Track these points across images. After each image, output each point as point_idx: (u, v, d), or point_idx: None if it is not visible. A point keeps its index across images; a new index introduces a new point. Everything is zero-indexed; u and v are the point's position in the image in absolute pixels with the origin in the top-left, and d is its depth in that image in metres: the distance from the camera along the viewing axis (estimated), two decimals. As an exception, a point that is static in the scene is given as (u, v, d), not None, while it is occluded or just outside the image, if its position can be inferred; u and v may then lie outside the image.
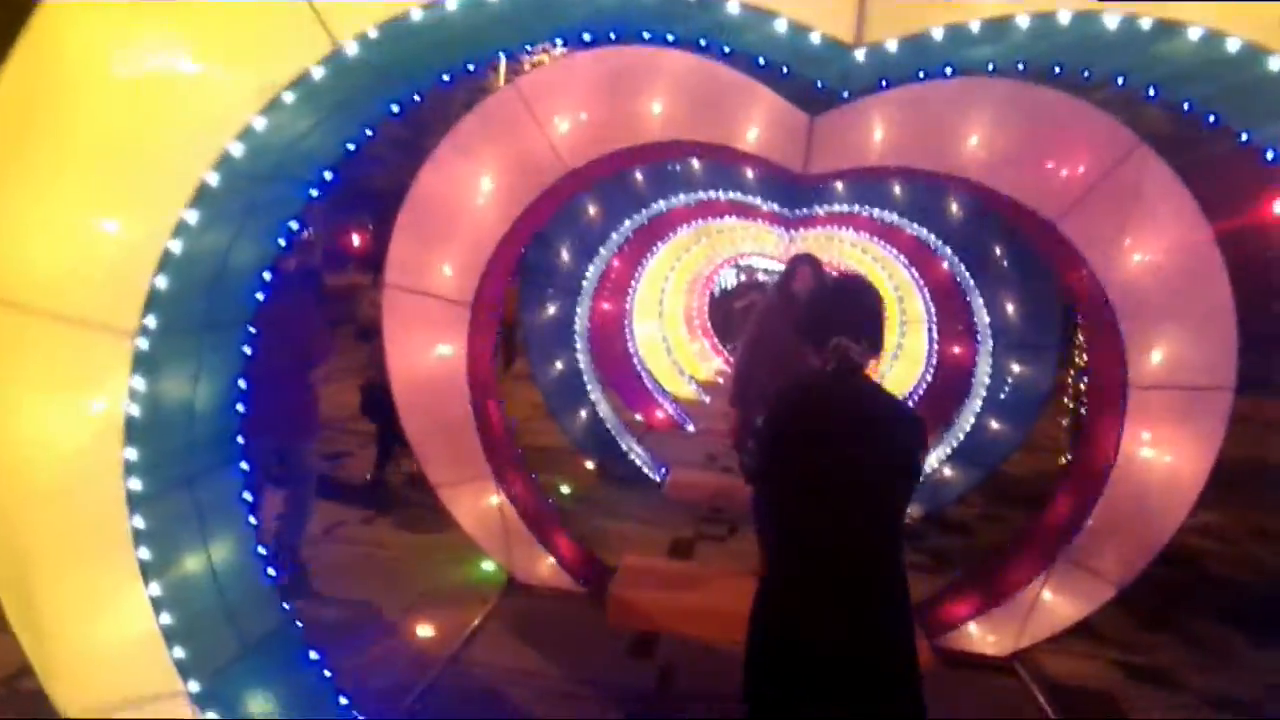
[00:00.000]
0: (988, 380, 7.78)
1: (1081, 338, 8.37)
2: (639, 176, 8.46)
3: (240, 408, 2.90)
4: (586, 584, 5.51)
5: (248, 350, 2.90)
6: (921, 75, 2.66)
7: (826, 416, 2.50)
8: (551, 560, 5.44)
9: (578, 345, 8.44)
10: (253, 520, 2.95)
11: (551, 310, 8.38)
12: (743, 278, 25.80)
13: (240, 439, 2.93)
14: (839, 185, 8.17)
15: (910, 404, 11.01)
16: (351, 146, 2.87)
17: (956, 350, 10.53)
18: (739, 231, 14.12)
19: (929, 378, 10.72)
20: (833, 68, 2.50)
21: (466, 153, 5.26)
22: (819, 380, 2.57)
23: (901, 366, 12.83)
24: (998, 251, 7.82)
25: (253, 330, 2.89)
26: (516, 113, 5.24)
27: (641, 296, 12.57)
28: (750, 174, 8.33)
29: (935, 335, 10.49)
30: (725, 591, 5.75)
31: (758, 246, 17.41)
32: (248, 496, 2.95)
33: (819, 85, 2.67)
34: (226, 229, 2.56)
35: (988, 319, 7.73)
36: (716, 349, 20.77)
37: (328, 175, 2.88)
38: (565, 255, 8.34)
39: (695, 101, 5.11)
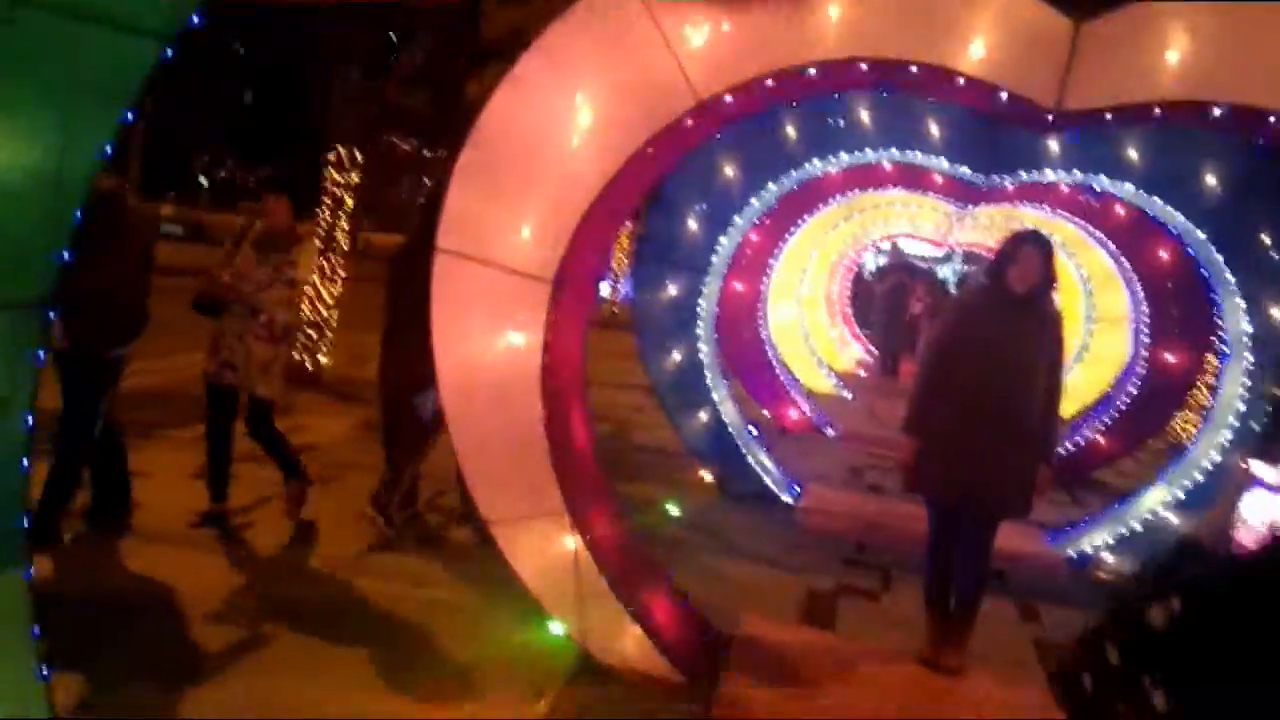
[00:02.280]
0: (1240, 406, 5.86)
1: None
2: (789, 130, 6.84)
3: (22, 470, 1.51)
4: (687, 668, 4.02)
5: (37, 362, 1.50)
6: None
7: None
8: (639, 632, 3.96)
9: (701, 333, 6.92)
10: (46, 672, 1.56)
11: (672, 290, 6.88)
12: (884, 259, 23.60)
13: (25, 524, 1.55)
14: (1054, 146, 6.35)
15: (1108, 417, 9.03)
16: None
17: (1170, 359, 8.53)
18: (897, 207, 12.21)
19: (1132, 389, 8.72)
20: None
21: (558, 69, 3.80)
22: None
23: (1088, 371, 10.80)
24: (1266, 240, 5.87)
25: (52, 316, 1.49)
26: (632, 16, 3.74)
27: (778, 277, 10.89)
28: (936, 130, 6.59)
29: (1146, 338, 8.48)
30: (879, 689, 4.19)
31: (912, 227, 15.39)
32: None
33: None
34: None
35: (1247, 326, 5.79)
36: (856, 335, 18.87)
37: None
38: (691, 223, 6.81)
39: (891, 3, 3.49)
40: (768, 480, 7.00)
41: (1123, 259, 8.64)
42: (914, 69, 3.64)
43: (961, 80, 3.55)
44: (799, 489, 7.14)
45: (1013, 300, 4.13)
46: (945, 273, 33.51)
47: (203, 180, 40.46)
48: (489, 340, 3.94)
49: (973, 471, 4.08)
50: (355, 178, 9.33)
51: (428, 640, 4.17)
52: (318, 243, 9.35)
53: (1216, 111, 3.42)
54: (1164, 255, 8.34)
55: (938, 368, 4.24)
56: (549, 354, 3.92)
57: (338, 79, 8.74)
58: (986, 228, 13.40)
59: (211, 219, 30.41)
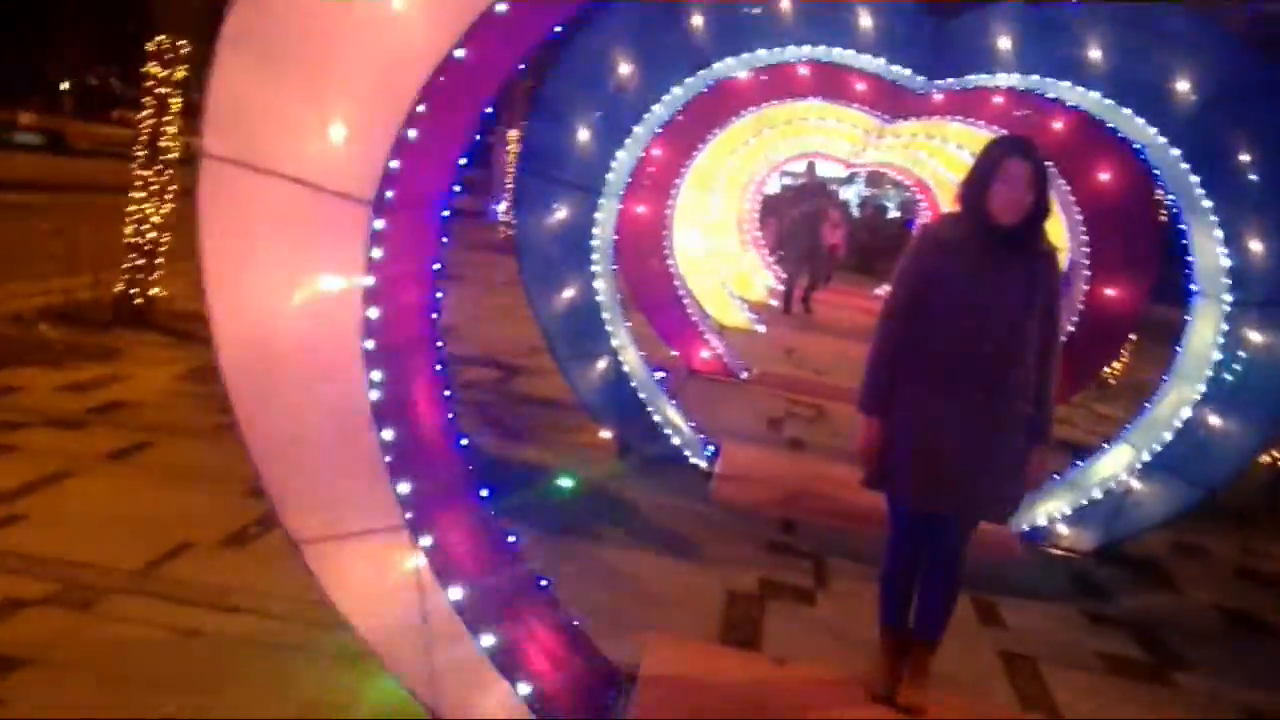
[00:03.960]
0: (1215, 355, 5.08)
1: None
2: (696, 21, 5.68)
3: None
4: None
5: None
6: None
7: None
8: (507, 687, 2.92)
9: (597, 267, 5.80)
10: None
11: (560, 214, 5.72)
12: (794, 180, 22.58)
13: None
14: (1006, 45, 5.36)
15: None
16: None
17: (1111, 294, 7.82)
18: (812, 121, 11.16)
19: (1070, 328, 7.98)
20: None
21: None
22: None
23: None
24: (1245, 159, 5.02)
25: None
26: None
27: (683, 200, 9.77)
28: (871, 22, 5.53)
29: (1088, 272, 7.73)
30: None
31: (823, 145, 14.40)
32: None
33: None
34: None
35: (1225, 261, 4.98)
36: (766, 264, 17.97)
37: None
38: (582, 133, 5.63)
39: None
40: (677, 440, 6.00)
41: (1061, 181, 7.80)
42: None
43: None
44: (713, 449, 6.17)
45: (997, 235, 3.13)
46: (848, 195, 32.67)
47: (64, 86, 36.85)
48: (286, 287, 2.75)
49: (954, 465, 3.12)
50: (181, 73, 7.74)
51: (212, 701, 3.04)
52: (140, 151, 7.79)
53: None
54: (1107, 177, 7.56)
55: (901, 328, 3.23)
56: (377, 304, 2.78)
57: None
58: (905, 146, 12.53)
59: (76, 128, 27.53)
